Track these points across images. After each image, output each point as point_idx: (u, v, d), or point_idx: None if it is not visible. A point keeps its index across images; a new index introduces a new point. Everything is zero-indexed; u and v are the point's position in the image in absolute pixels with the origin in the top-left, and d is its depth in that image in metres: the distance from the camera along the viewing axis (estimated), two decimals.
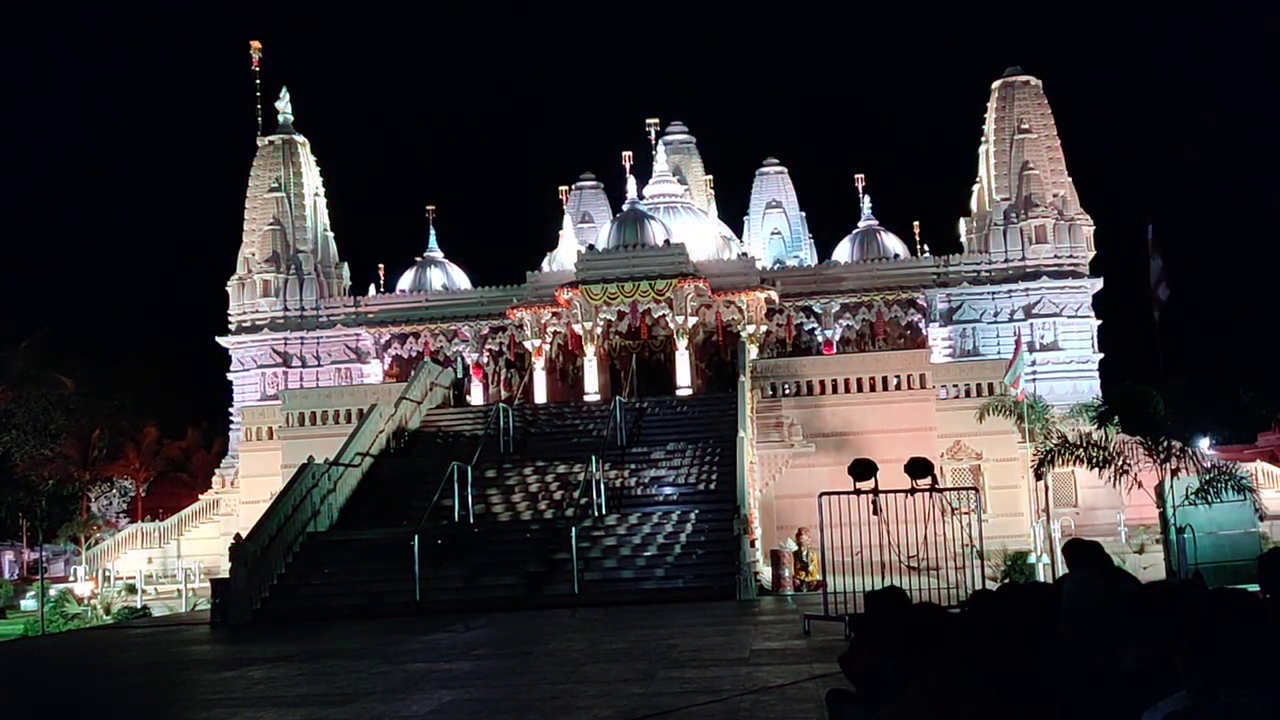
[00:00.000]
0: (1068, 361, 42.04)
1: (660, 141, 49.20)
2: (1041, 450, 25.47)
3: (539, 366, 39.25)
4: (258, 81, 49.59)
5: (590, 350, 37.93)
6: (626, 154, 45.19)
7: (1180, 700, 3.13)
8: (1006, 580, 23.72)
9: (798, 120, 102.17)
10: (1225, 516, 22.20)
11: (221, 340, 47.23)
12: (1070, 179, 44.46)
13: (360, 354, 46.00)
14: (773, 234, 50.51)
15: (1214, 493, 21.24)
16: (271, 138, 48.28)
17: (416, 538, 22.90)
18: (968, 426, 33.19)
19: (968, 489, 21.58)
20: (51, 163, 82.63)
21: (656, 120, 49.00)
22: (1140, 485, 22.54)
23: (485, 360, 44.00)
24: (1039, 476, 25.43)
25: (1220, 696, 2.99)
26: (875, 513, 17.01)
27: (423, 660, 15.87)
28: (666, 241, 40.33)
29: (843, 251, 46.83)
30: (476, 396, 42.08)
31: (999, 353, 40.87)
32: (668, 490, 26.87)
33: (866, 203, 47.81)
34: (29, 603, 37.78)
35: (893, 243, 46.48)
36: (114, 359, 60.54)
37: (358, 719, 11.32)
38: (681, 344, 37.57)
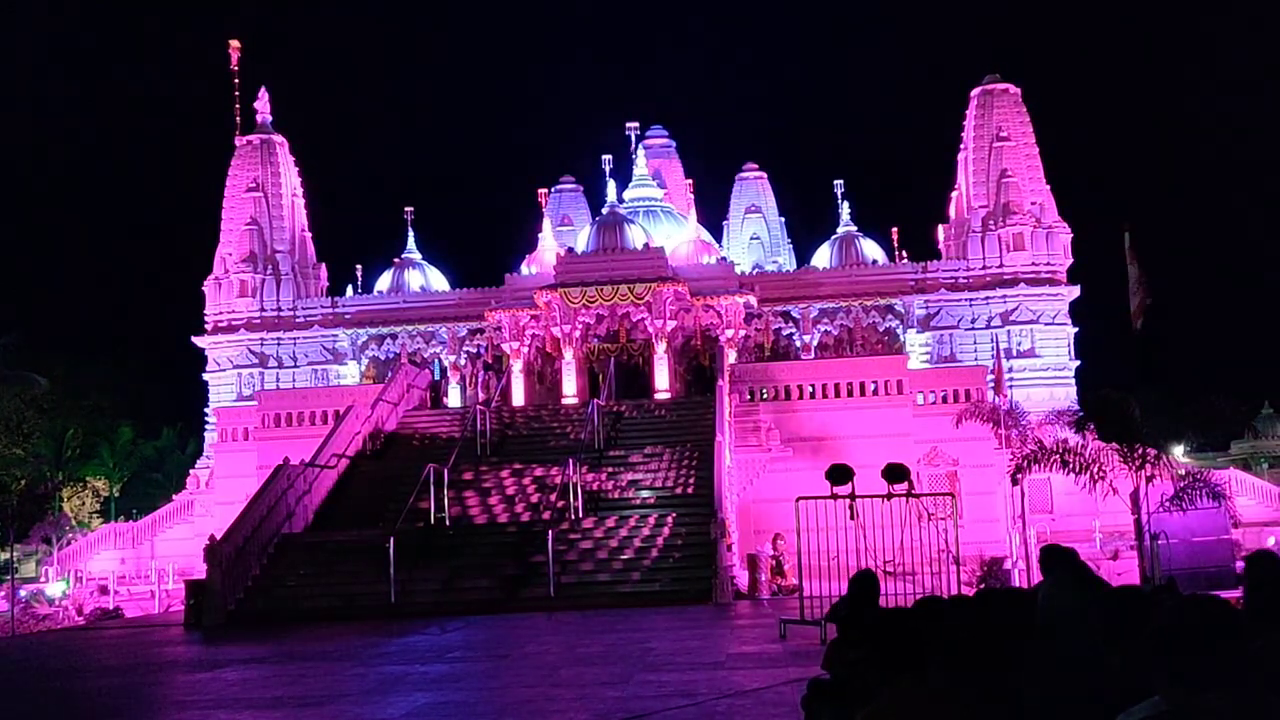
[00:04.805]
0: (1044, 368, 42.24)
1: (640, 145, 49.17)
2: (1018, 456, 25.57)
3: (517, 369, 39.16)
4: (236, 81, 49.36)
5: (568, 353, 37.89)
6: (606, 157, 45.13)
7: (1154, 705, 3.14)
8: (982, 586, 23.80)
9: (778, 126, 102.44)
10: (1199, 523, 22.33)
11: (197, 340, 46.94)
12: (1048, 187, 44.70)
13: (337, 355, 45.82)
14: (752, 239, 50.58)
15: (1188, 499, 21.38)
16: (250, 137, 48.02)
17: (392, 540, 22.82)
18: (944, 432, 33.29)
19: (944, 494, 21.65)
20: (27, 161, 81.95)
21: (637, 124, 48.95)
22: (1115, 492, 22.66)
23: (463, 362, 43.89)
24: (1015, 482, 25.54)
25: (1192, 701, 3.01)
26: (852, 518, 17.05)
27: (398, 663, 15.83)
28: (646, 245, 40.33)
29: (821, 257, 46.93)
30: (454, 399, 41.96)
31: (976, 359, 41.04)
32: (645, 494, 26.87)
33: (845, 209, 47.91)
34: None
35: (871, 249, 46.59)
36: (89, 358, 60.17)
37: None
38: (660, 348, 37.57)
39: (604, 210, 43.34)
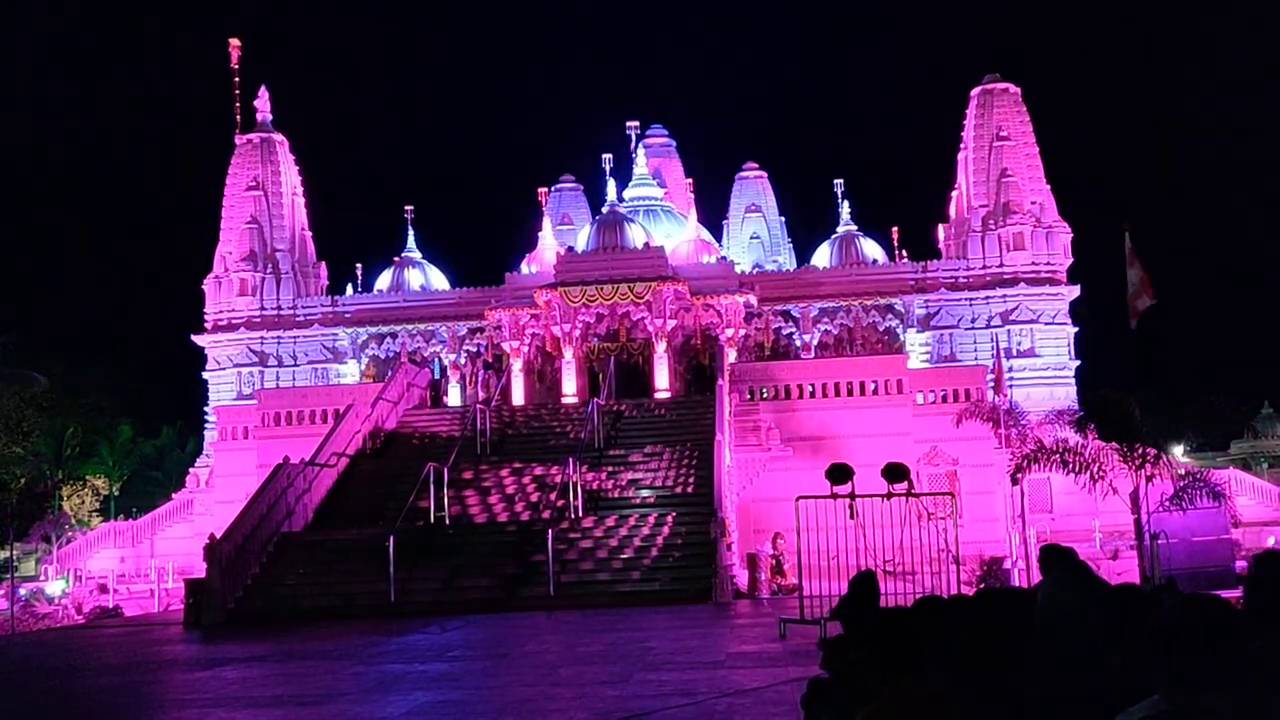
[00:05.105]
0: (1044, 368, 42.24)
1: (640, 144, 49.18)
2: (1018, 456, 25.57)
3: (517, 368, 39.16)
4: (236, 79, 49.35)
5: (568, 352, 37.89)
6: (606, 156, 45.16)
7: (1153, 705, 3.14)
8: (982, 585, 23.79)
9: (778, 125, 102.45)
10: (1199, 523, 22.33)
11: (197, 339, 46.94)
12: (1048, 186, 44.70)
13: (337, 354, 45.82)
14: (752, 238, 50.58)
15: (1188, 499, 21.37)
16: (250, 136, 48.03)
17: (392, 539, 22.82)
18: (944, 432, 33.28)
19: (944, 494, 21.65)
20: (27, 161, 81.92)
21: (637, 123, 49.00)
22: (1115, 491, 22.65)
23: (463, 361, 43.89)
24: (1015, 482, 25.53)
25: (1192, 701, 3.01)
26: (851, 517, 17.05)
27: (398, 661, 15.83)
28: (646, 244, 40.32)
29: (821, 256, 46.93)
30: (454, 398, 41.96)
31: (976, 359, 41.04)
32: (645, 493, 26.86)
33: (845, 208, 47.90)
34: None
35: (871, 248, 46.59)
36: (89, 357, 60.17)
37: None
38: (660, 347, 37.56)
39: (604, 209, 43.34)
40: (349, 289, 47.77)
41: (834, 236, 47.34)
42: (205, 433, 46.79)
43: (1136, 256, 24.84)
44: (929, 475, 33.16)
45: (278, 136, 48.24)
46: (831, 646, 5.46)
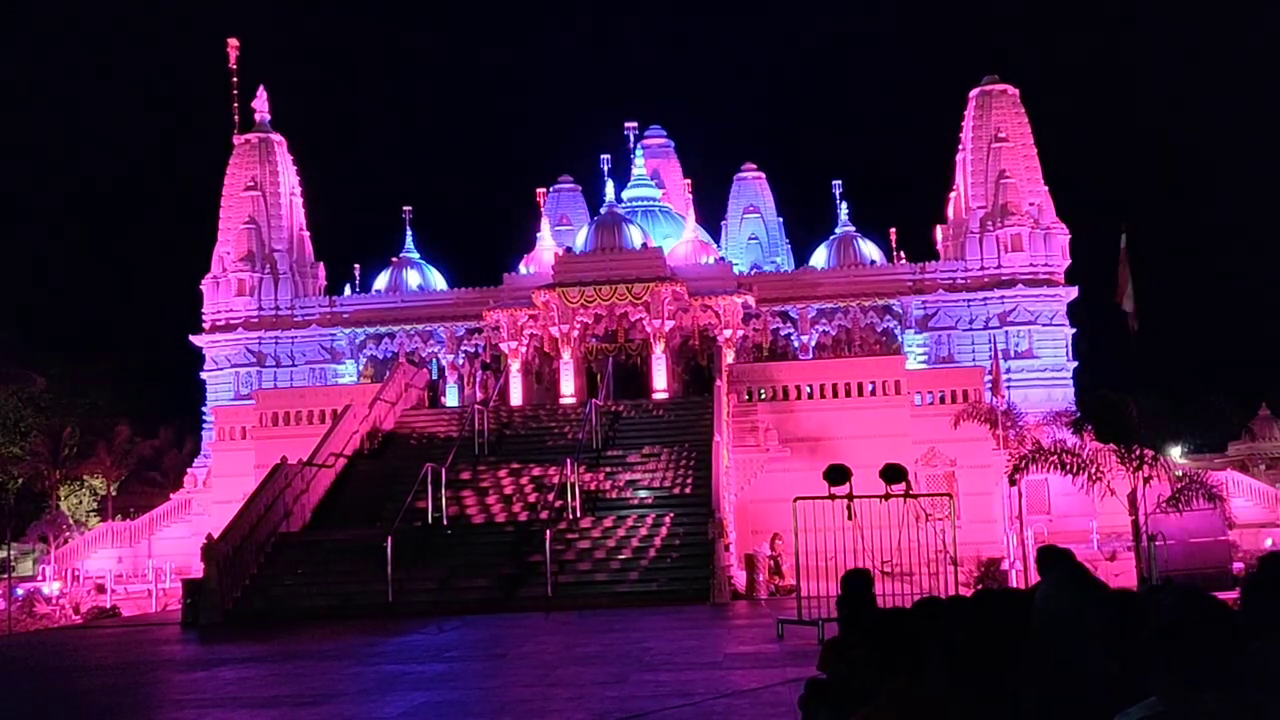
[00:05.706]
0: (1042, 369, 42.24)
1: (639, 145, 49.19)
2: (1015, 457, 25.60)
3: (515, 369, 39.16)
4: (235, 79, 49.33)
5: (566, 353, 37.89)
6: (605, 157, 45.18)
7: (1150, 706, 3.14)
8: (980, 586, 23.79)
9: (777, 126, 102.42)
10: (1196, 524, 22.38)
11: (195, 339, 46.92)
12: (1046, 188, 44.71)
13: (335, 354, 45.80)
14: (750, 239, 50.57)
15: (1185, 501, 21.41)
16: (248, 136, 48.00)
17: (390, 539, 22.82)
18: (942, 433, 33.29)
19: (942, 495, 21.66)
20: (25, 159, 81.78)
21: (635, 124, 48.98)
22: (1113, 493, 22.68)
23: (461, 362, 43.89)
24: (1013, 483, 25.55)
25: (1190, 702, 3.01)
26: (849, 518, 17.06)
27: (396, 662, 15.83)
28: (644, 245, 40.34)
29: (819, 257, 46.94)
30: (451, 398, 41.97)
31: (974, 360, 41.05)
32: (643, 494, 26.87)
33: (844, 209, 47.90)
34: None
35: (869, 249, 46.59)
36: (87, 357, 60.08)
37: None
38: (658, 348, 37.57)
39: (602, 210, 43.36)
40: (347, 289, 47.76)
41: (832, 237, 47.34)
42: (203, 433, 46.76)
43: (1125, 259, 24.87)
44: (927, 476, 33.14)
45: (276, 137, 48.23)
46: (829, 647, 5.47)
